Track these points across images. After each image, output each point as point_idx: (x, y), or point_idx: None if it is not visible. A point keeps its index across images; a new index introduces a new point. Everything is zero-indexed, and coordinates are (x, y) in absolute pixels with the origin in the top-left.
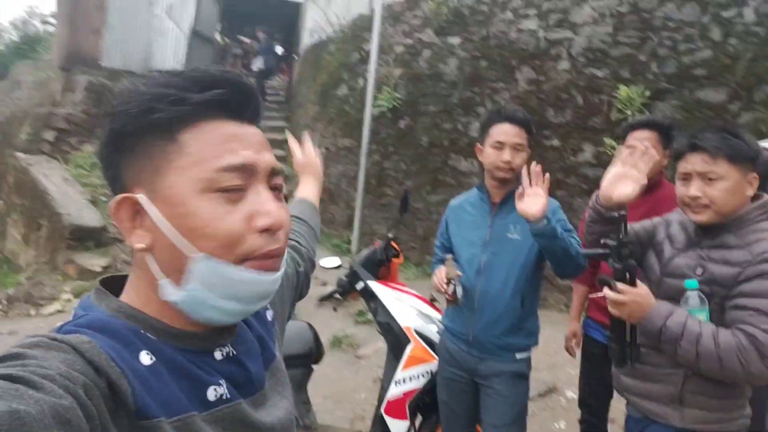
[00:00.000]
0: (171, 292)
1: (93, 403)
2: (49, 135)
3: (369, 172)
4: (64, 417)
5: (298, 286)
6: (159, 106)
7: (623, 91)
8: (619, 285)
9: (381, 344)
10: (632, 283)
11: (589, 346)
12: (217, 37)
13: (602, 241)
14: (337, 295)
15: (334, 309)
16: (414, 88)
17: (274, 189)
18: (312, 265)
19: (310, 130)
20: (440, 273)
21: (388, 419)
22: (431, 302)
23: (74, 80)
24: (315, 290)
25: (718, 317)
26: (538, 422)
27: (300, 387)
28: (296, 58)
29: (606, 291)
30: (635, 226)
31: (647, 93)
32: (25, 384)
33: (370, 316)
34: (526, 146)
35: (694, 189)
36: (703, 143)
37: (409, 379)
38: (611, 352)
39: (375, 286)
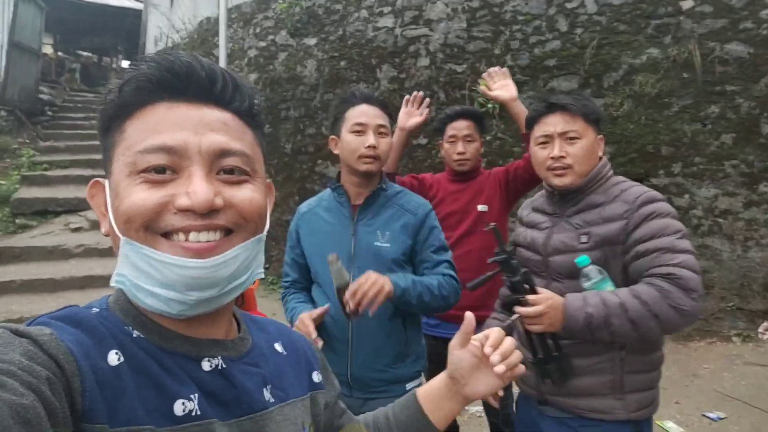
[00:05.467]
0: (112, 277)
1: (56, 398)
2: None
3: None
4: (24, 417)
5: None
6: (108, 98)
7: (482, 84)
8: (530, 297)
9: None
10: (534, 290)
11: (432, 347)
12: (48, 49)
13: (489, 260)
14: None
15: None
16: (272, 93)
17: (227, 172)
18: None
19: None
20: (306, 323)
21: None
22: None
23: None
24: None
25: (622, 278)
26: None
27: None
28: None
29: (520, 310)
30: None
31: None
32: None
33: None
34: (390, 130)
35: (557, 149)
36: (563, 102)
37: None
38: (547, 372)
39: None
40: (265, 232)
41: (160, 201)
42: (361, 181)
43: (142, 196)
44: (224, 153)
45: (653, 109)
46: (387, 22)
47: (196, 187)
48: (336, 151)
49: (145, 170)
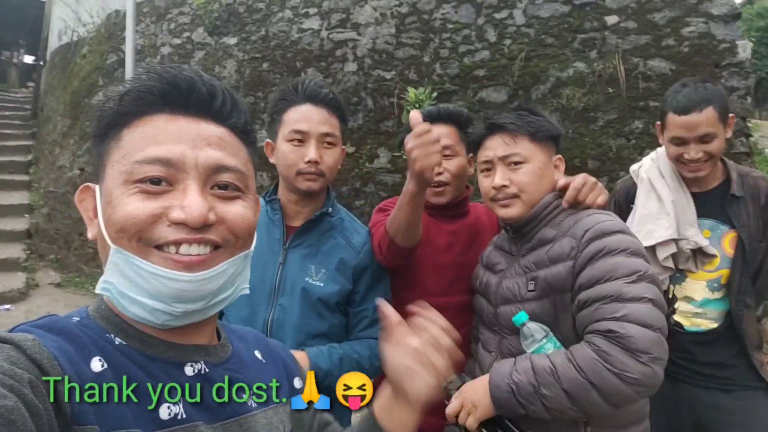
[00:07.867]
0: (98, 284)
1: (39, 401)
2: None
3: None
4: (8, 418)
5: None
6: (107, 105)
7: (411, 92)
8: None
9: None
10: None
11: None
12: None
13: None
14: None
15: None
16: None
17: (221, 187)
18: None
19: (60, 147)
20: None
21: None
22: None
23: None
24: None
25: (576, 338)
26: None
27: None
28: (42, 64)
29: (447, 413)
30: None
31: (434, 95)
32: None
33: None
34: (339, 139)
35: (499, 177)
36: (501, 121)
37: None
38: None
39: None
40: (252, 248)
41: (154, 212)
42: (300, 199)
43: (136, 206)
44: (220, 168)
45: (580, 123)
46: (313, 23)
47: (191, 201)
48: (272, 160)
49: (141, 180)
